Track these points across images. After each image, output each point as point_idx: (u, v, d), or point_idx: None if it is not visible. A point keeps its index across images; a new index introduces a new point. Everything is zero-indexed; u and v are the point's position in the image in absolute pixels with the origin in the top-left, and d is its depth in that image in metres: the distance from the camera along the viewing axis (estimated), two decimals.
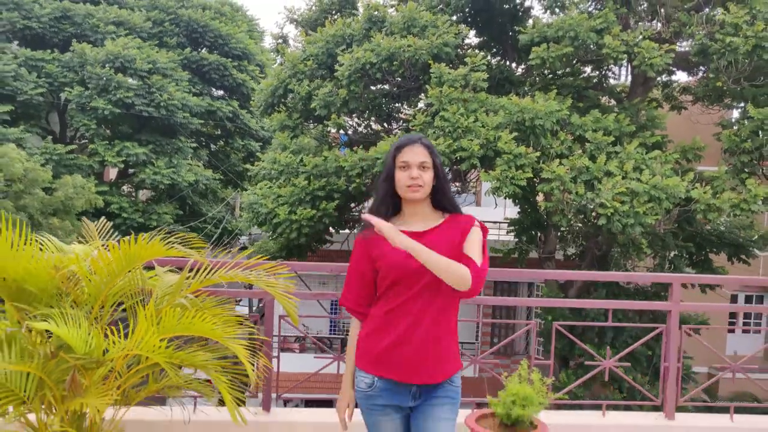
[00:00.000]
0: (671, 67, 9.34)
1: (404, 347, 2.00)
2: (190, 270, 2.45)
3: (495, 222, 13.68)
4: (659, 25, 8.96)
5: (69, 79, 18.41)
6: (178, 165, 19.49)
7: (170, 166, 19.40)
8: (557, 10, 9.12)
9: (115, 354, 2.12)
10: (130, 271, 2.30)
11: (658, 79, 10.89)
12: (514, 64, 12.04)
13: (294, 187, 10.15)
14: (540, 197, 9.91)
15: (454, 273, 1.92)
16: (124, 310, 2.37)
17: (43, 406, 2.14)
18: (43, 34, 18.96)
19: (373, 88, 10.67)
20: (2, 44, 17.96)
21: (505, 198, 9.31)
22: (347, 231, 11.99)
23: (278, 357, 3.04)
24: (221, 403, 3.32)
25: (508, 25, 11.03)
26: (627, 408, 4.59)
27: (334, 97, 9.93)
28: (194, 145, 21.46)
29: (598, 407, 3.35)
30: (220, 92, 23.05)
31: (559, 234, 10.99)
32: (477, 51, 11.81)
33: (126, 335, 2.15)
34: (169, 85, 18.65)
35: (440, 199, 2.14)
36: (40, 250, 2.28)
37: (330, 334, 16.61)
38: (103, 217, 2.84)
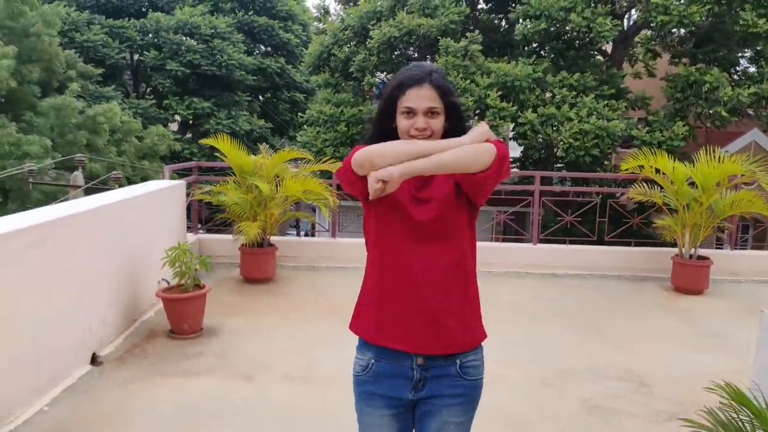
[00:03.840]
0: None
1: (404, 313, 1.63)
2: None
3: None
4: (616, 3, 11.57)
5: (145, 43, 21.78)
6: (236, 116, 22.88)
7: (230, 117, 22.78)
8: None
9: (280, 194, 5.48)
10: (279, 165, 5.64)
11: (651, 33, 13.13)
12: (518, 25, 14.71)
13: (336, 132, 13.36)
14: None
15: (473, 152, 1.53)
16: (278, 182, 5.69)
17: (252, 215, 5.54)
18: (120, 5, 22.29)
19: (397, 52, 13.62)
20: (91, 15, 21.34)
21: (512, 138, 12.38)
22: None
23: (338, 209, 6.36)
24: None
25: None
26: (515, 241, 7.44)
27: (367, 62, 12.97)
28: (249, 98, 24.72)
29: (497, 241, 6.60)
30: (269, 49, 26.09)
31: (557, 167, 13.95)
32: (487, 15, 14.55)
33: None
34: (228, 47, 21.83)
35: None
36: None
37: None
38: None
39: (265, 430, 3.13)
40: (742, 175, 5.47)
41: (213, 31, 21.69)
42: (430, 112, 1.62)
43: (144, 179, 17.42)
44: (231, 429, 3.12)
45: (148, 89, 24.73)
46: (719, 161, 5.45)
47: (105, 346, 4.05)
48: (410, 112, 1.62)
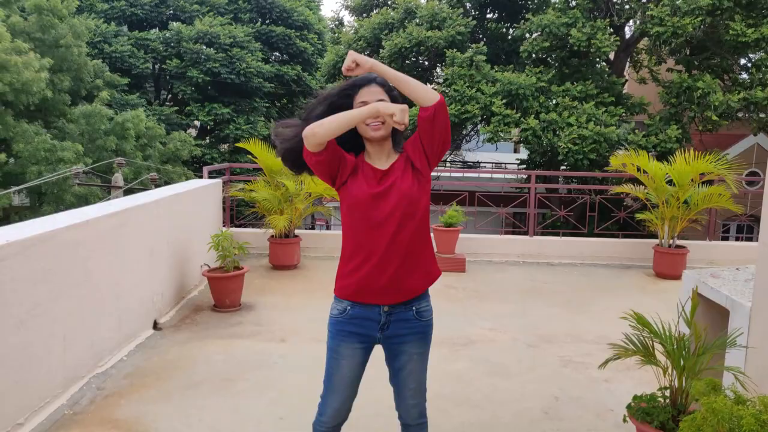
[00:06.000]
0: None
1: (376, 277, 2.05)
2: None
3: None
4: (615, 16, 12.28)
5: (168, 53, 22.81)
6: (254, 122, 23.80)
7: (248, 122, 23.71)
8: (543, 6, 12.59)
9: (303, 190, 6.27)
10: None
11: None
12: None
13: None
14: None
15: (421, 88, 1.96)
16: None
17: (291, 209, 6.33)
18: (145, 17, 23.36)
19: (408, 62, 14.41)
20: (118, 28, 22.40)
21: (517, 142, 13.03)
22: None
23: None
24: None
25: (520, 4, 14.44)
26: (513, 233, 8.22)
27: None
28: (266, 104, 25.64)
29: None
30: (285, 57, 27.03)
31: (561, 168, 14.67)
32: (496, 24, 15.27)
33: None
34: (246, 56, 22.79)
35: (399, 137, 2.15)
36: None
37: None
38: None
39: (298, 374, 3.90)
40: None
41: (232, 40, 22.66)
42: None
43: (167, 182, 18.35)
44: (271, 373, 3.90)
45: (169, 96, 25.78)
46: (692, 160, 6.15)
47: (163, 316, 4.85)
48: (363, 106, 2.01)
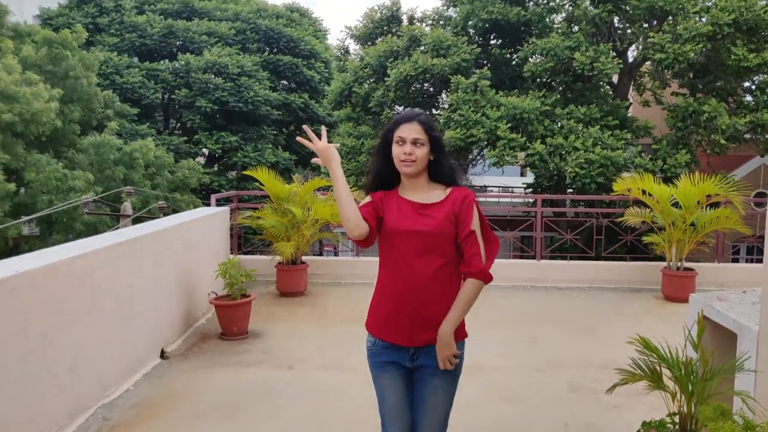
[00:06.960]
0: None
1: (402, 314, 2.08)
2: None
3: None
4: (617, 41, 12.42)
5: (177, 83, 23.21)
6: (262, 149, 24.04)
7: (256, 150, 23.94)
8: (546, 32, 12.76)
9: (310, 217, 6.31)
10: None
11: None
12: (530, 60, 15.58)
13: (357, 162, 14.28)
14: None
15: (477, 295, 2.09)
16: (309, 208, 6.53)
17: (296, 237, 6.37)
18: (154, 48, 23.84)
19: (413, 89, 14.58)
20: (129, 59, 22.87)
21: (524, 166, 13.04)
22: None
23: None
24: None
25: (523, 30, 14.60)
26: (520, 257, 8.12)
27: (386, 98, 13.95)
28: (274, 132, 25.92)
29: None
30: (293, 85, 27.42)
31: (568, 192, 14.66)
32: (499, 50, 15.43)
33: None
34: (254, 85, 23.14)
35: (437, 173, 2.16)
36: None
37: None
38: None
39: (306, 402, 3.88)
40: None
41: (240, 69, 23.05)
42: (416, 142, 2.10)
43: (175, 211, 18.49)
44: (279, 402, 3.88)
45: (178, 125, 26.15)
46: (698, 182, 6.15)
47: (170, 344, 4.86)
48: (401, 141, 2.11)
